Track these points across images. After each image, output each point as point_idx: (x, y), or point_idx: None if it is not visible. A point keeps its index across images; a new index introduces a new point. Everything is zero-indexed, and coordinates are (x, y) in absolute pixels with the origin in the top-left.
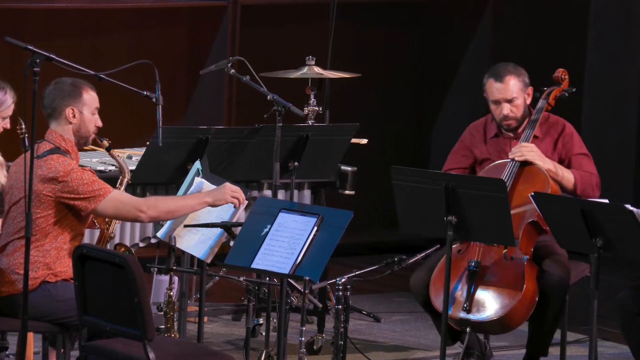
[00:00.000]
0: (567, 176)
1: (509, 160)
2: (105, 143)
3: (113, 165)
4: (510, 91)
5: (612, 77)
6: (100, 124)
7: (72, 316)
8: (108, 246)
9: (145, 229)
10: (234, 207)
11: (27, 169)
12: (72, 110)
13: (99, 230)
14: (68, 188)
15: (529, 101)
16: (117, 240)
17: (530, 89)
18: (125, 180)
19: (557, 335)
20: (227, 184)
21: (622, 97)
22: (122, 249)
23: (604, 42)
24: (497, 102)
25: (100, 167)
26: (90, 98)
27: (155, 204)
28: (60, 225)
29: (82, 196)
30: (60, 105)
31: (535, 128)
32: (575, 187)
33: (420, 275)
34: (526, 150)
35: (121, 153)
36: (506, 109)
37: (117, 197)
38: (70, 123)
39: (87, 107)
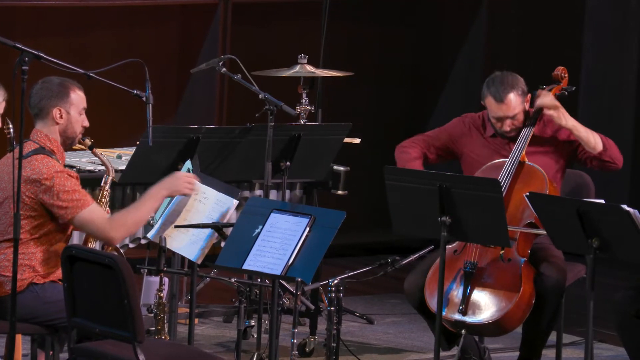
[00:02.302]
0: (593, 135)
1: (507, 159)
2: (88, 142)
3: (103, 165)
4: (512, 109)
5: (607, 76)
6: (87, 124)
7: (60, 318)
8: (96, 245)
9: None
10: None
11: (14, 169)
12: (60, 110)
13: None
14: (49, 192)
15: (527, 107)
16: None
17: (528, 97)
18: (110, 178)
19: (553, 337)
20: (178, 173)
21: (618, 97)
22: (111, 249)
23: (599, 41)
24: (500, 119)
25: (90, 167)
26: (78, 98)
27: (120, 222)
28: (45, 226)
29: (61, 203)
30: (48, 106)
31: (533, 128)
32: (604, 146)
33: (414, 278)
34: (548, 101)
35: (111, 153)
36: (507, 125)
37: (91, 217)
38: (57, 123)
39: (75, 108)
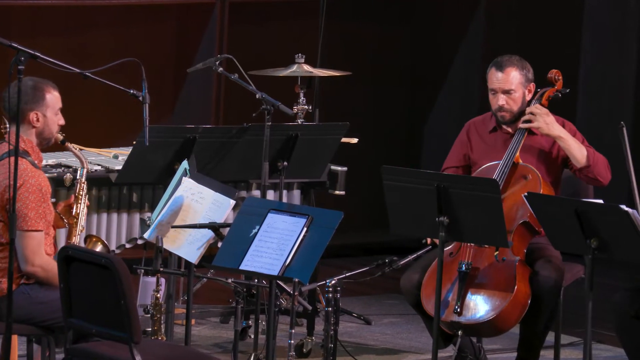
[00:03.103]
0: (580, 147)
1: (500, 161)
2: (59, 137)
3: (99, 165)
4: (509, 82)
5: (607, 76)
6: (62, 122)
7: (55, 318)
8: (78, 239)
9: (131, 229)
10: None
11: (11, 171)
12: (36, 114)
13: (67, 227)
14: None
15: (529, 97)
16: (103, 240)
17: (532, 85)
18: (85, 170)
19: (551, 337)
20: None
21: (618, 97)
22: (94, 240)
23: (599, 41)
24: (495, 92)
25: None
26: (54, 99)
27: (44, 265)
28: None
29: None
30: (24, 110)
31: (527, 131)
32: (588, 162)
33: (411, 275)
34: (536, 115)
35: (107, 152)
36: (502, 99)
37: (27, 241)
38: (34, 127)
39: (51, 109)
